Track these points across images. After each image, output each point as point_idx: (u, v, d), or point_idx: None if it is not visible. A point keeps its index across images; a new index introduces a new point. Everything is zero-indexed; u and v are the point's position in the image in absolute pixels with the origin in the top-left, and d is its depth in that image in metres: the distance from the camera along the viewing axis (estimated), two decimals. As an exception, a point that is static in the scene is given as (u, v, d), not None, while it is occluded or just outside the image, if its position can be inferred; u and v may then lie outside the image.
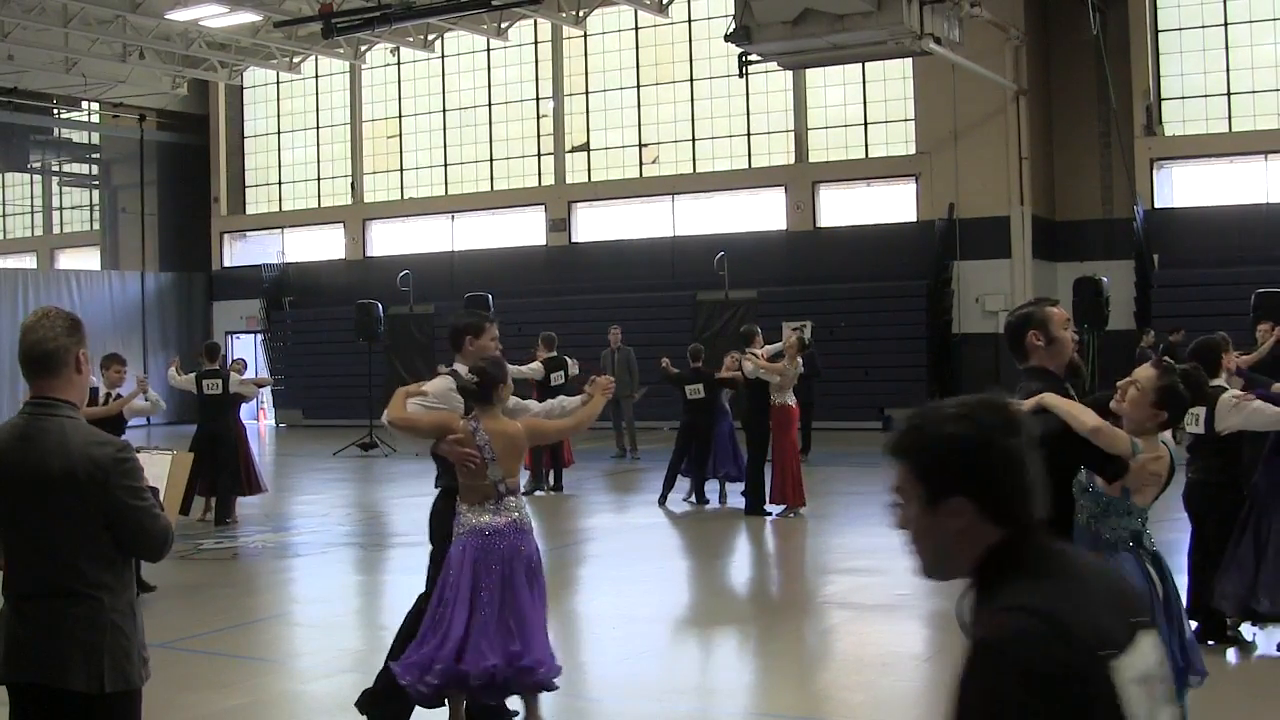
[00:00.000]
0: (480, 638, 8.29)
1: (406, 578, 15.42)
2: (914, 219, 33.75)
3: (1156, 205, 31.99)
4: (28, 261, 49.40)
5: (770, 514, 19.09)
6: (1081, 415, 6.24)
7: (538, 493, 22.22)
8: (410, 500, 23.08)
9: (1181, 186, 32.49)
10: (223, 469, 19.65)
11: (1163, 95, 32.16)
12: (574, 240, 38.17)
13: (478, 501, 8.43)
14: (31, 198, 51.76)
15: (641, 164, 37.68)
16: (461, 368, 8.84)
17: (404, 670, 8.47)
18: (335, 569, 17.10)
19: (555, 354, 22.77)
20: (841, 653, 11.69)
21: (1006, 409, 3.03)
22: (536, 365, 22.48)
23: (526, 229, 38.94)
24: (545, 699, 9.09)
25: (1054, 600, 2.84)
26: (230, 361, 21.03)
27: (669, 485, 21.06)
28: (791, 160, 35.42)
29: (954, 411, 3.01)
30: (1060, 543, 3.19)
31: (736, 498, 20.31)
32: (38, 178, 50.27)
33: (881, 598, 13.72)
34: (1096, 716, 2.74)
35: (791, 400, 19.35)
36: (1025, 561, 2.97)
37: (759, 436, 19.28)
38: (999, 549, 2.99)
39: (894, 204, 34.32)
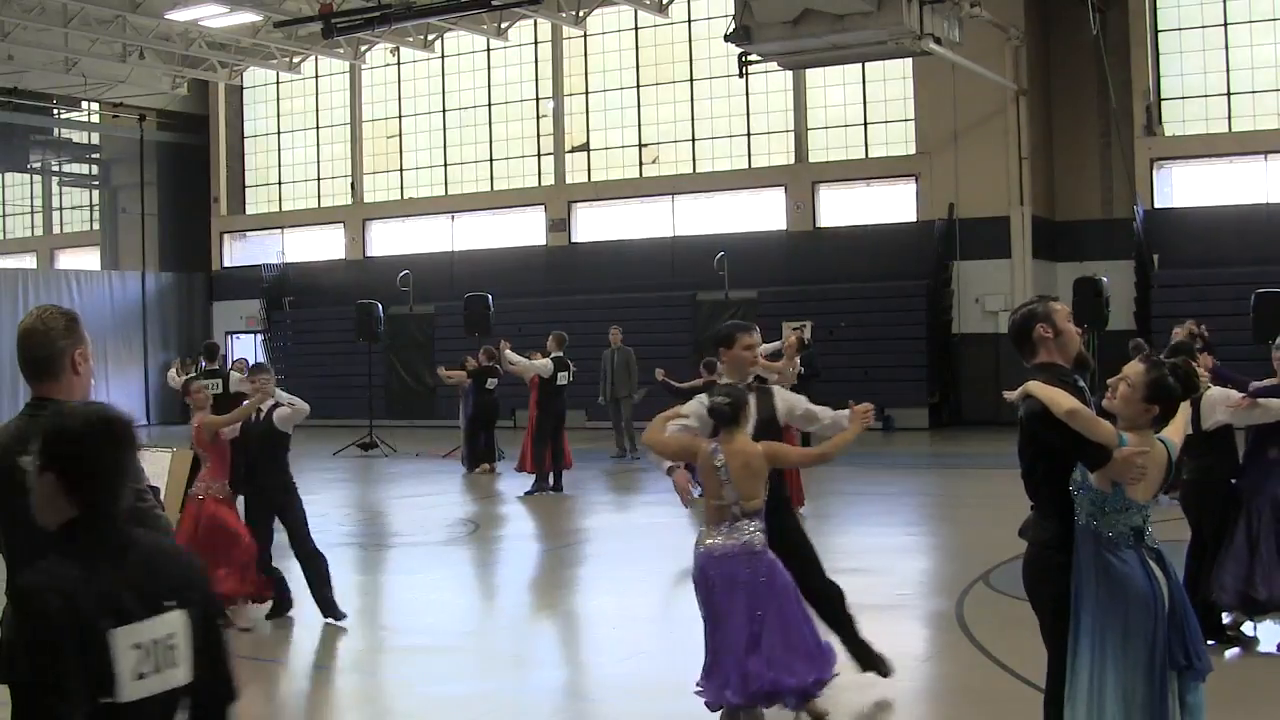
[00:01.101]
0: (744, 656, 8.45)
1: (406, 578, 15.49)
2: (914, 219, 33.75)
3: (1156, 205, 31.98)
4: (28, 261, 49.38)
5: None
6: (1059, 399, 6.29)
7: (541, 493, 22.24)
8: (410, 500, 23.14)
9: (1181, 186, 32.48)
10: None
11: (1163, 95, 32.16)
12: (574, 240, 38.17)
13: (714, 522, 8.57)
14: (31, 198, 51.76)
15: (641, 164, 37.67)
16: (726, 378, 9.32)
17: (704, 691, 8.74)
18: (335, 569, 17.03)
19: (562, 354, 22.86)
20: (841, 653, 11.68)
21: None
22: (546, 362, 22.67)
23: (526, 229, 38.93)
24: (546, 698, 9.08)
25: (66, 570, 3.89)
26: (231, 361, 21.03)
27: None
28: (791, 160, 35.42)
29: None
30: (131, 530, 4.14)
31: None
32: (38, 178, 50.23)
33: (881, 598, 13.72)
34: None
35: None
36: (78, 536, 3.98)
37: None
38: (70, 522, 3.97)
39: (894, 204, 34.32)
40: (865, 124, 34.67)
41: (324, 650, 12.31)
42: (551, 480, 22.63)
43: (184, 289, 43.99)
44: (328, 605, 12.73)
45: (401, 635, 13.01)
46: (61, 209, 51.50)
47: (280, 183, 44.33)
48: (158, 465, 6.00)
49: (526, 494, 22.22)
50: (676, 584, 14.63)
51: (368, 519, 21.30)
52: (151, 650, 3.96)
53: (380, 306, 31.42)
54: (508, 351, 22.96)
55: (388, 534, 19.79)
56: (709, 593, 8.56)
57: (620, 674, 11.06)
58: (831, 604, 9.60)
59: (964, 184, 32.38)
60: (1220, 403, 10.54)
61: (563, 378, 22.60)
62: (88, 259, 47.60)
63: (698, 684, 8.76)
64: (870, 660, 9.72)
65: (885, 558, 16.49)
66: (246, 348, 41.68)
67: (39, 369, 5.49)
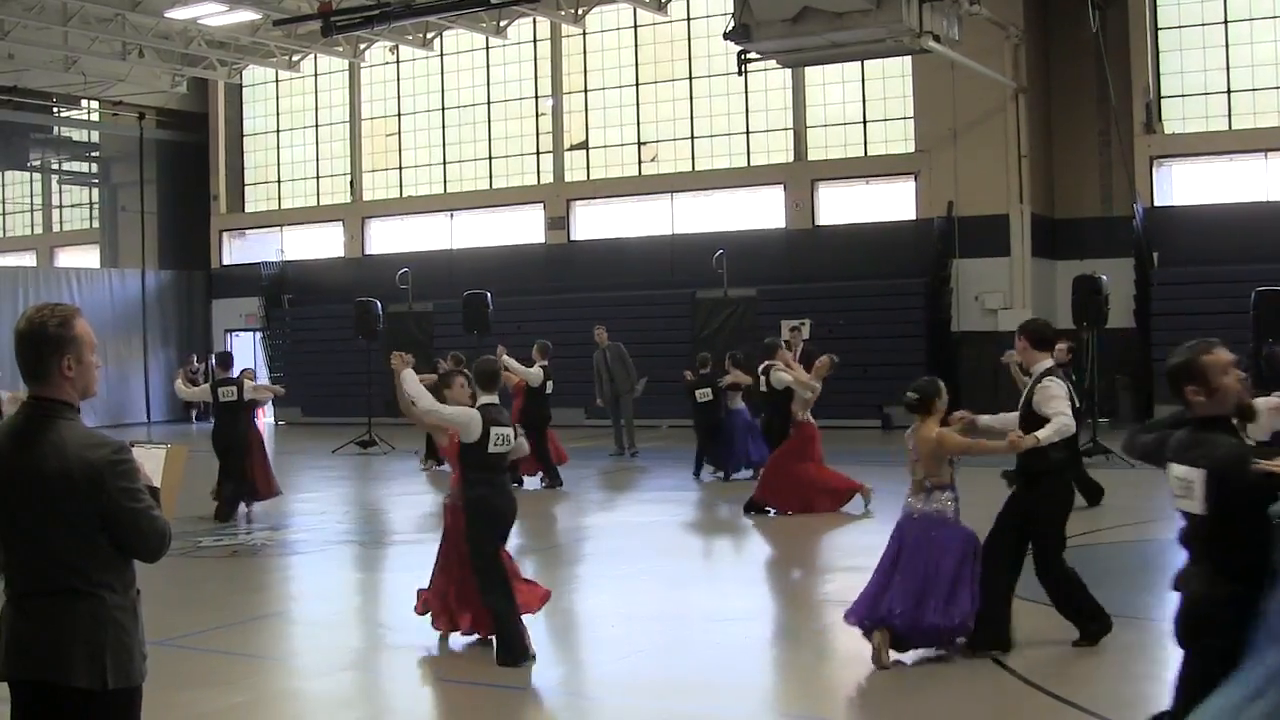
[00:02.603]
0: (900, 590, 10.45)
1: (406, 575, 15.43)
2: (913, 217, 33.71)
3: (1156, 203, 31.93)
4: (28, 259, 49.41)
5: (770, 512, 19.02)
6: None
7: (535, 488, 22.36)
8: (408, 498, 23.12)
9: (1181, 184, 32.44)
10: (230, 473, 20.11)
11: (1163, 93, 32.12)
12: (573, 238, 38.15)
13: (914, 492, 10.65)
14: (31, 196, 51.78)
15: (640, 162, 37.65)
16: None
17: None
18: (334, 566, 17.08)
19: (547, 363, 23.20)
20: (840, 650, 11.66)
21: None
22: (537, 370, 22.98)
23: (525, 227, 38.92)
24: (544, 697, 9.06)
25: None
26: (241, 370, 21.29)
27: (700, 463, 23.62)
28: (791, 158, 35.39)
29: None
30: None
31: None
32: (37, 176, 50.25)
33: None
34: None
35: (811, 419, 19.15)
36: None
37: (777, 444, 19.27)
38: None
39: (893, 202, 34.28)
40: (864, 122, 34.64)
41: (323, 648, 12.29)
42: (545, 477, 22.92)
43: (184, 286, 43.99)
44: None
45: (399, 633, 12.98)
46: (61, 207, 51.51)
47: (279, 181, 44.31)
48: (153, 462, 5.88)
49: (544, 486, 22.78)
50: (674, 582, 14.63)
51: (366, 516, 21.30)
52: None
53: (379, 304, 31.42)
54: (505, 358, 22.92)
55: (386, 531, 19.79)
56: (900, 544, 10.62)
57: (618, 672, 11.06)
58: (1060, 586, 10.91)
59: (963, 182, 32.35)
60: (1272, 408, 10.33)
61: (549, 385, 23.10)
62: (88, 257, 47.63)
63: (851, 612, 10.74)
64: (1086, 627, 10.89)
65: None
66: (246, 345, 41.67)
67: (29, 373, 5.52)
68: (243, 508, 20.32)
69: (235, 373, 21.04)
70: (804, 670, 11.29)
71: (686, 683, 10.62)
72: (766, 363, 19.91)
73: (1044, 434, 10.42)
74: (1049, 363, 10.96)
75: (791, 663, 11.57)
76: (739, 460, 23.15)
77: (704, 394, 23.36)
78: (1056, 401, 10.61)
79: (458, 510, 11.27)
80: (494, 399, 11.19)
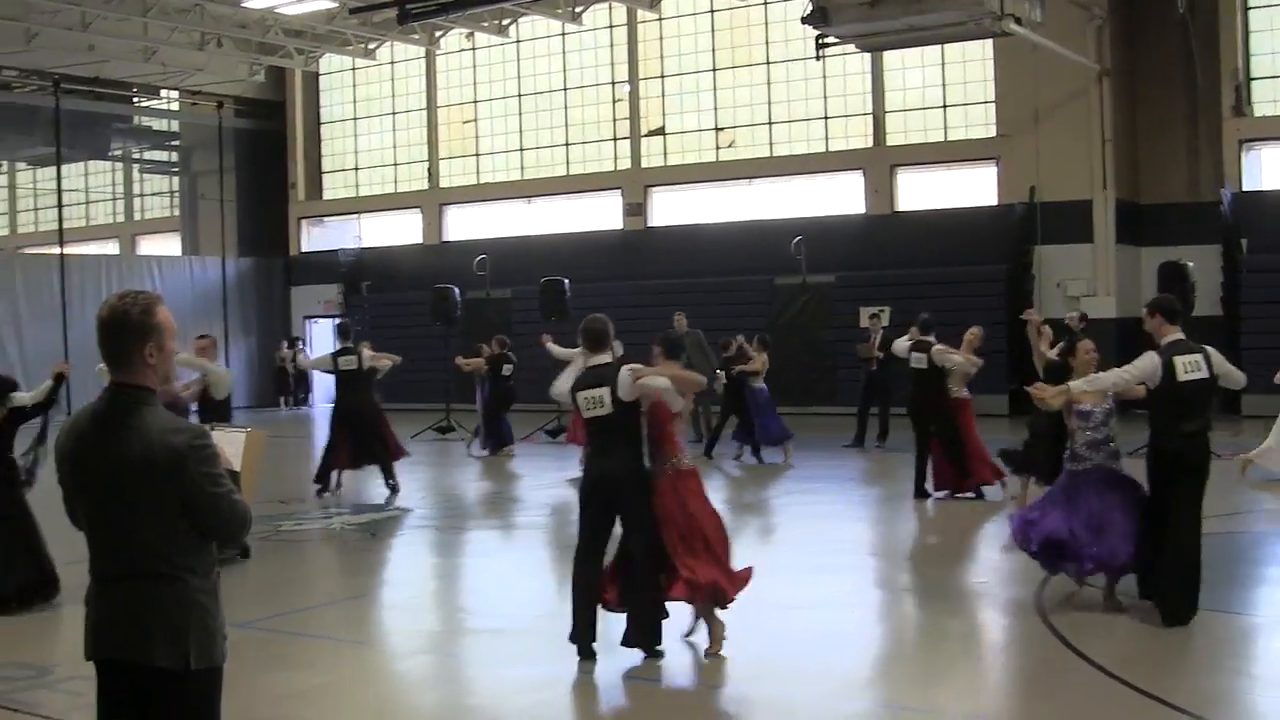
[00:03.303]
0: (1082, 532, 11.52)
1: (482, 561, 15.39)
2: (994, 203, 33.38)
3: (1245, 188, 31.42)
4: (111, 248, 49.78)
5: (931, 495, 18.76)
6: None
7: None
8: (486, 484, 23.11)
9: (1272, 169, 31.90)
10: (374, 439, 20.67)
11: (1252, 75, 31.61)
12: (650, 224, 38.04)
13: (1086, 446, 11.72)
14: (114, 185, 52.16)
15: (718, 147, 37.48)
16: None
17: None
18: (414, 551, 17.09)
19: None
20: (923, 639, 11.56)
21: None
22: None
23: (602, 213, 38.84)
24: (618, 683, 8.96)
25: None
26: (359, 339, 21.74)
27: (712, 442, 24.79)
28: (870, 143, 35.14)
29: None
30: None
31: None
32: (119, 165, 50.65)
33: (960, 585, 13.60)
34: None
35: (966, 393, 18.95)
36: None
37: (925, 423, 18.91)
38: None
39: (973, 187, 33.95)
40: (944, 106, 34.33)
41: (402, 631, 12.25)
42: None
43: (263, 273, 44.25)
44: None
45: (476, 617, 12.98)
46: (143, 195, 51.90)
47: (357, 168, 44.44)
48: (233, 446, 5.90)
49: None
50: (782, 567, 14.48)
51: (444, 502, 21.27)
52: None
53: (457, 290, 31.38)
54: (550, 344, 23.56)
55: (464, 517, 19.75)
56: (1075, 491, 11.62)
57: (691, 659, 10.92)
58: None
59: (1045, 167, 31.96)
60: None
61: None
62: (169, 244, 47.97)
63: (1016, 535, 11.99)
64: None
65: (965, 543, 16.32)
66: (325, 332, 41.73)
67: (112, 359, 5.53)
68: (329, 485, 20.86)
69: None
70: (889, 657, 11.16)
71: (756, 671, 10.49)
72: (919, 339, 19.59)
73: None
74: (1177, 335, 11.27)
75: (875, 649, 11.45)
76: (766, 437, 23.93)
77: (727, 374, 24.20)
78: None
79: (681, 480, 10.74)
80: (606, 358, 10.90)
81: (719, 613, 10.71)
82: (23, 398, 13.12)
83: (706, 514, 10.72)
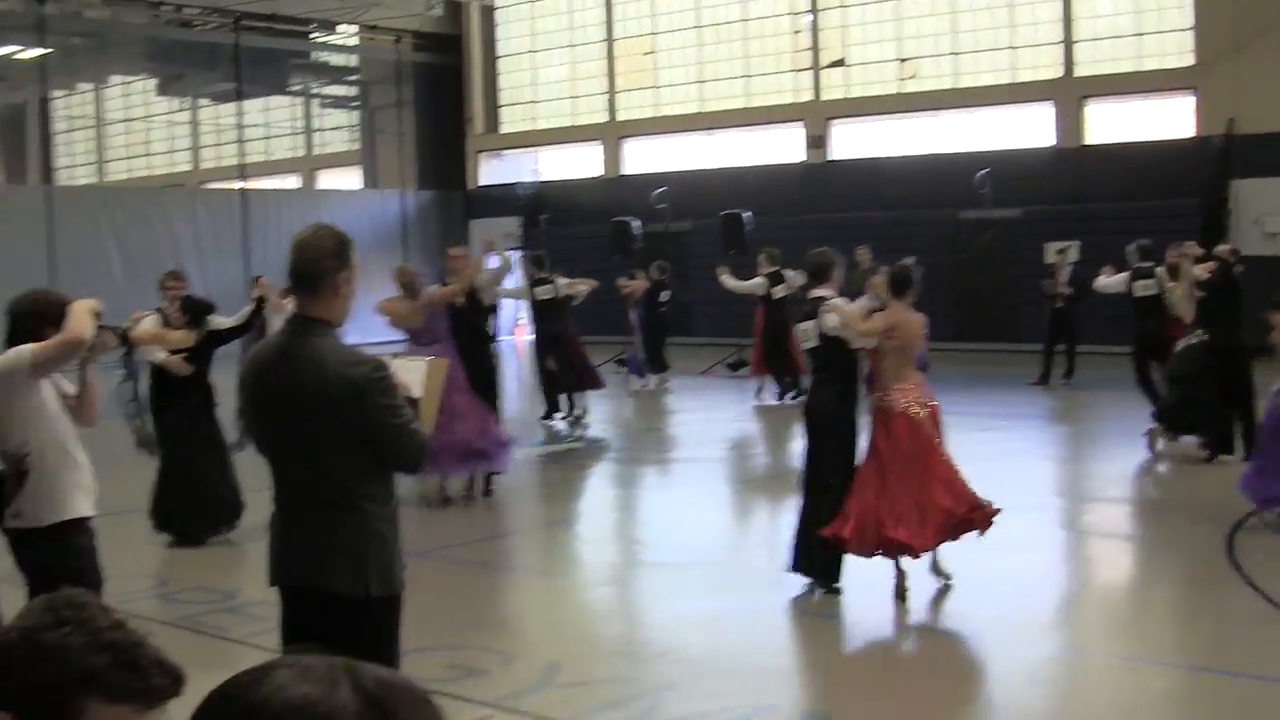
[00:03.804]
0: None
1: (662, 494, 15.26)
2: (1190, 135, 32.43)
3: None
4: (291, 182, 50.42)
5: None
6: None
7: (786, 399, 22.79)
8: (669, 417, 23.02)
9: None
10: (568, 367, 21.06)
11: None
12: (831, 157, 37.58)
13: None
14: (294, 120, 52.74)
15: (901, 79, 36.87)
16: None
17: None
18: (593, 482, 17.11)
19: (776, 269, 23.23)
20: (1109, 583, 11.30)
21: None
22: (759, 280, 23.33)
23: (783, 146, 38.43)
24: (795, 618, 8.77)
25: None
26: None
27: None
28: (1059, 74, 34.30)
29: None
30: None
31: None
32: (299, 100, 51.19)
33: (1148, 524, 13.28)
34: None
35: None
36: None
37: (1158, 354, 18.15)
38: None
39: (1168, 119, 33.02)
40: (1139, 34, 33.38)
41: (581, 563, 12.18)
42: (783, 391, 23.28)
43: (442, 207, 44.45)
44: None
45: (655, 550, 12.94)
46: (322, 130, 52.44)
47: (535, 101, 44.47)
48: (413, 375, 5.93)
49: (789, 399, 22.62)
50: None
51: (628, 435, 21.25)
52: None
53: (636, 223, 31.25)
54: (725, 277, 23.73)
55: (646, 450, 19.68)
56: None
57: (868, 596, 10.68)
58: None
59: (1246, 97, 30.90)
60: None
61: (778, 291, 23.08)
62: (349, 178, 48.45)
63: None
64: None
65: (1158, 485, 15.96)
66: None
67: (304, 284, 5.68)
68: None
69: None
70: (1075, 601, 10.87)
71: (956, 613, 10.26)
72: (1137, 266, 19.01)
73: None
74: None
75: (1060, 592, 11.16)
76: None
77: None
78: None
79: (890, 419, 10.39)
80: (824, 292, 10.62)
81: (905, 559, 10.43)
82: (221, 321, 13.20)
83: (907, 455, 10.29)
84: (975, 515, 10.26)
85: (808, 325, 10.50)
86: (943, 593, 10.49)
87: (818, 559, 10.46)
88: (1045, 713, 8.41)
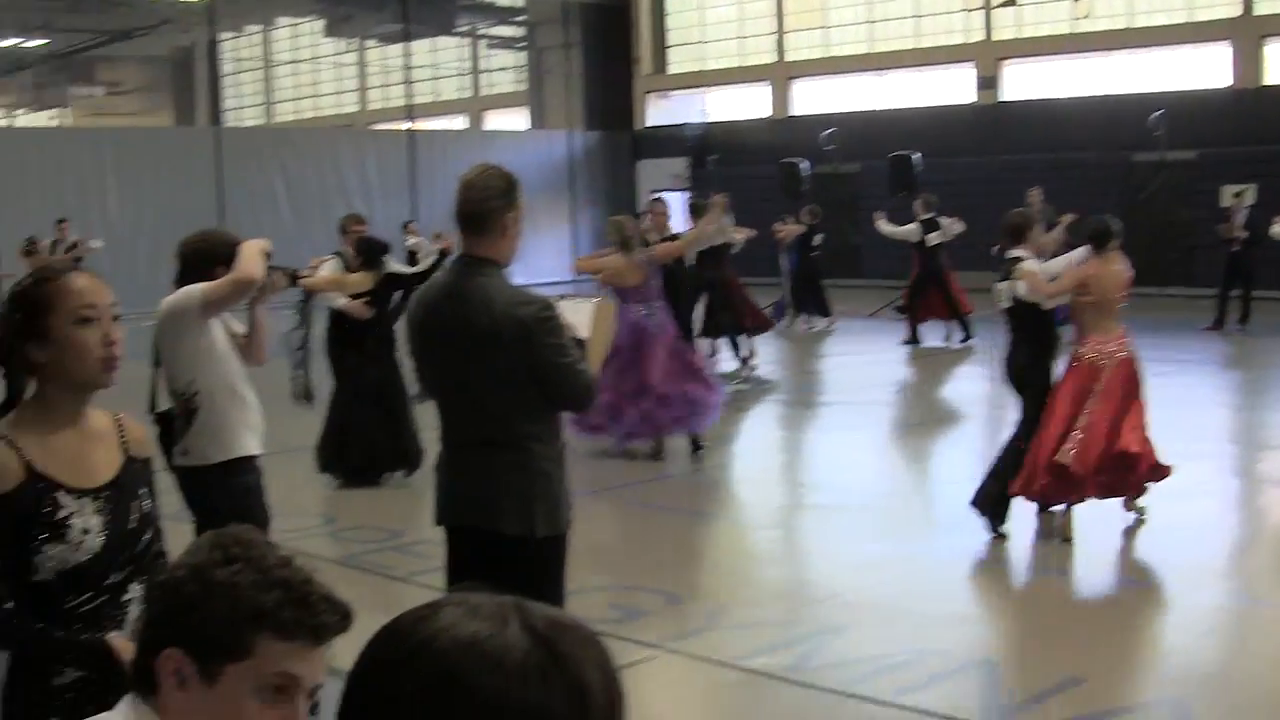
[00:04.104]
0: None
1: (828, 436, 15.22)
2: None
3: None
4: (459, 123, 50.75)
5: None
6: None
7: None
8: (835, 359, 22.92)
9: None
10: (724, 310, 21.04)
11: None
12: (1002, 98, 37.05)
13: None
14: (460, 60, 53.02)
15: (1074, 18, 36.21)
16: None
17: None
18: (757, 423, 17.09)
19: (932, 215, 23.46)
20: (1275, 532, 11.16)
21: None
22: (913, 226, 23.59)
23: (953, 86, 37.94)
24: (960, 563, 8.73)
25: None
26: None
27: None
28: (1238, 12, 33.49)
29: None
30: None
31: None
32: (466, 41, 51.41)
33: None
34: None
35: None
36: None
37: None
38: None
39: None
40: (1324, -30, 32.48)
41: (746, 505, 12.19)
42: (957, 332, 23.34)
43: (609, 148, 44.44)
44: None
45: (821, 493, 12.88)
46: (490, 71, 52.67)
47: (703, 42, 44.27)
48: (580, 315, 5.98)
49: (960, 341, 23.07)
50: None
51: (795, 377, 21.21)
52: None
53: (804, 165, 31.09)
54: (881, 223, 24.43)
55: (813, 392, 19.66)
56: None
57: (1040, 546, 10.68)
58: None
59: None
60: None
61: (932, 239, 23.35)
62: (516, 119, 48.63)
63: None
64: None
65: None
66: (671, 205, 41.81)
67: (472, 224, 5.69)
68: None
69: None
70: (1246, 549, 10.71)
71: (1104, 560, 10.17)
72: None
73: None
74: None
75: (1232, 540, 11.00)
76: None
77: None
78: None
79: (1087, 370, 10.45)
80: (1024, 253, 10.67)
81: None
82: (402, 268, 13.25)
83: (1098, 402, 10.29)
84: (1144, 473, 10.39)
85: (1003, 286, 10.65)
86: (1119, 536, 10.45)
87: (991, 500, 10.57)
88: (1215, 661, 8.32)
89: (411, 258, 22.49)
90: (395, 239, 18.03)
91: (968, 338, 23.02)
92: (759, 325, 21.51)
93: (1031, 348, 10.62)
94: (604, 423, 13.38)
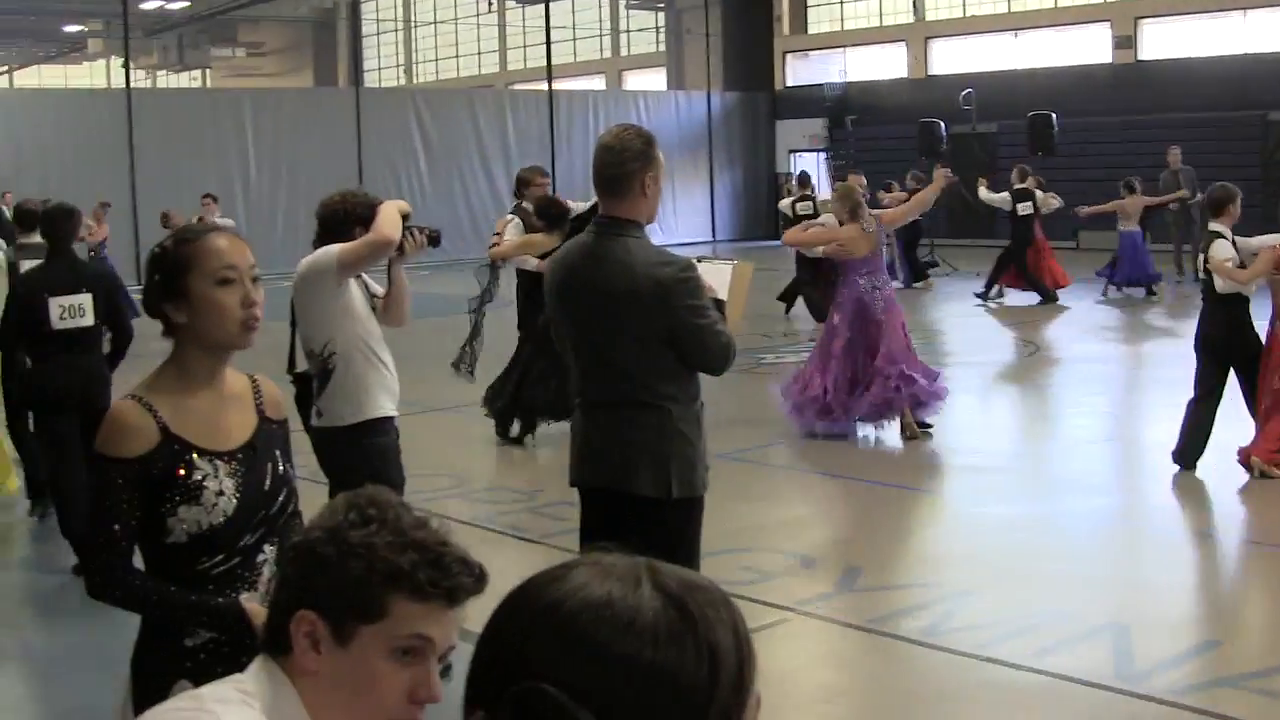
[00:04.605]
0: None
1: (961, 398, 15.12)
2: None
3: None
4: (598, 83, 50.80)
5: None
6: None
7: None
8: (968, 320, 22.75)
9: None
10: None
11: None
12: (1140, 58, 36.44)
13: None
14: (600, 21, 53.02)
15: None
16: None
17: None
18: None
19: (1025, 185, 23.86)
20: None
21: None
22: (1005, 195, 24.01)
23: (1092, 46, 37.36)
24: (1095, 523, 8.67)
25: None
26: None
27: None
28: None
29: None
30: None
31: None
32: (606, 1, 51.41)
33: None
34: None
35: None
36: None
37: None
38: None
39: None
40: None
41: (878, 466, 12.14)
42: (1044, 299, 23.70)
43: (748, 108, 44.23)
44: None
45: (953, 455, 12.80)
46: (629, 31, 52.64)
47: (842, 2, 43.95)
48: (719, 277, 5.99)
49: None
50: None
51: (926, 338, 21.05)
52: None
53: (943, 125, 30.83)
54: (982, 189, 24.90)
55: (945, 353, 19.49)
56: None
57: (1169, 502, 10.79)
58: None
59: None
60: None
61: (1023, 208, 23.74)
62: (654, 79, 48.59)
63: None
64: None
65: None
66: (810, 165, 41.59)
67: (610, 186, 5.70)
68: None
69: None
70: None
71: (1234, 517, 10.07)
72: None
73: None
74: None
75: None
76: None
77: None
78: None
79: None
80: (1221, 227, 11.10)
81: None
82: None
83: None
84: None
85: (1201, 259, 11.15)
86: (1258, 499, 10.38)
87: (1189, 451, 10.99)
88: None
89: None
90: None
91: (1044, 302, 23.51)
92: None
93: (1223, 315, 10.86)
94: (834, 407, 12.76)
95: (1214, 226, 10.95)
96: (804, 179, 23.78)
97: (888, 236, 24.91)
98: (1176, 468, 10.97)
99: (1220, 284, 10.75)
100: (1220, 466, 10.78)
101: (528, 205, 12.45)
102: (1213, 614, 8.10)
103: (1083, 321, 21.75)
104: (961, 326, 22.26)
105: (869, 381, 12.62)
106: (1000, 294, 24.33)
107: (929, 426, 12.99)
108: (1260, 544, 9.73)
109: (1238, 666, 7.21)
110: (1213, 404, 10.96)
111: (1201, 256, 11.13)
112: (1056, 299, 23.46)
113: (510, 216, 12.60)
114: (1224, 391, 10.95)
